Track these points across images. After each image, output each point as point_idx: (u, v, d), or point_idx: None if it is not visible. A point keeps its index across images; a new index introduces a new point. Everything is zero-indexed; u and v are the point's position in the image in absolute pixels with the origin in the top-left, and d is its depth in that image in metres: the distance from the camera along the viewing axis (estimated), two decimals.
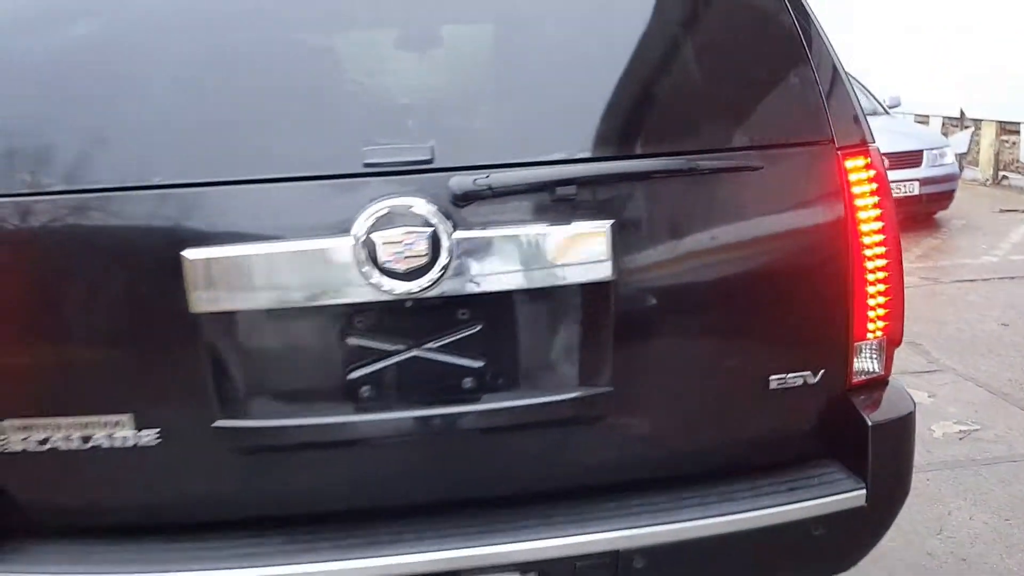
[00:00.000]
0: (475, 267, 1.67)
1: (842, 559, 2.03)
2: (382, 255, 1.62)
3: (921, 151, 8.76)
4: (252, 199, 1.67)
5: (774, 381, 1.86)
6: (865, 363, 1.93)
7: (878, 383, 1.96)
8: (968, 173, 12.35)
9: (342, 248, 1.63)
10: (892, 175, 8.38)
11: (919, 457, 3.75)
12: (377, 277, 1.63)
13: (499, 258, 1.68)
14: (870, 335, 1.91)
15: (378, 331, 1.73)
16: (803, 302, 1.89)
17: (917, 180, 8.57)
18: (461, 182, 1.64)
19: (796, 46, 1.85)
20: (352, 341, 1.73)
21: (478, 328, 1.76)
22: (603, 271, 1.70)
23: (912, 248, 8.14)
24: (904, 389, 2.01)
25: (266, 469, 1.79)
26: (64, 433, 1.71)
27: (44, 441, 1.71)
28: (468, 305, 1.74)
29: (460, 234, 1.66)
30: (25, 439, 1.70)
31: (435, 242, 1.64)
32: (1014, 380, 4.77)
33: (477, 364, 1.77)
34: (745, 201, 1.82)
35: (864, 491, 1.85)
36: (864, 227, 1.84)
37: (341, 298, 1.66)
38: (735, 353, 1.87)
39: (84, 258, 1.66)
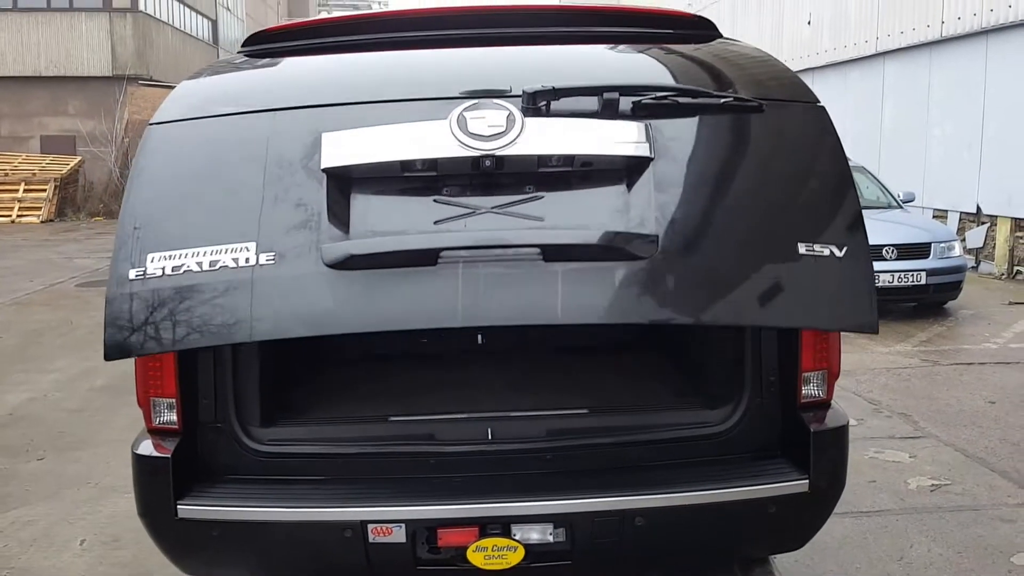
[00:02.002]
0: (542, 138, 2.36)
1: (793, 537, 2.69)
2: (471, 125, 2.34)
3: (929, 243, 9.33)
4: (378, 111, 2.51)
5: (803, 247, 2.31)
6: (812, 389, 2.62)
7: (822, 404, 2.64)
8: (984, 267, 12.94)
9: (441, 124, 2.36)
10: (900, 265, 9.03)
11: (892, 502, 4.44)
12: (466, 139, 2.32)
13: (562, 135, 2.40)
14: (816, 368, 2.60)
15: (462, 185, 2.41)
16: (814, 182, 2.47)
17: (924, 271, 9.12)
18: (532, 84, 2.43)
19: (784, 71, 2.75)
20: (439, 192, 2.40)
21: (544, 186, 2.41)
22: (643, 150, 2.39)
23: (917, 334, 8.73)
24: (842, 411, 2.68)
25: (360, 285, 2.28)
26: (199, 259, 2.25)
27: (179, 268, 2.25)
28: (536, 168, 2.40)
29: (531, 117, 2.37)
30: (164, 267, 2.26)
31: (510, 119, 2.34)
32: (990, 448, 5.35)
33: (543, 213, 2.37)
34: (754, 131, 2.54)
35: (807, 481, 2.51)
36: None
37: (438, 154, 2.34)
38: (762, 219, 2.40)
39: (267, 142, 2.45)
